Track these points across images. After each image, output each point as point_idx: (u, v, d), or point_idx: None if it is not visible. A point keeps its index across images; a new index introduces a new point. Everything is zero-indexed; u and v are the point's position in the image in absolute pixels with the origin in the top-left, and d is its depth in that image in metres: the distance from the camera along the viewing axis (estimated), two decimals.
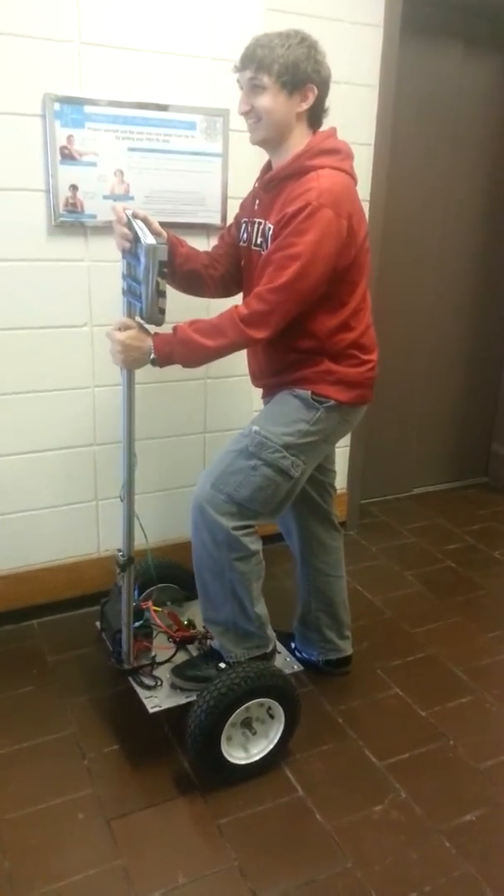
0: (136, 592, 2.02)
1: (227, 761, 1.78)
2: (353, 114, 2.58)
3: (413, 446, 3.46)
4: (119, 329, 1.69)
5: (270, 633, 1.93)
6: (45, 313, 2.19)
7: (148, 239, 1.57)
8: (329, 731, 2.01)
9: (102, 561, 2.49)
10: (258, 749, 1.84)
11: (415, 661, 2.32)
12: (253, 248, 1.83)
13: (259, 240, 1.79)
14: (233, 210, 2.30)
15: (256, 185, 1.87)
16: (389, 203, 2.81)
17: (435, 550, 3.03)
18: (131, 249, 1.65)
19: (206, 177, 2.27)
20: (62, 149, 2.05)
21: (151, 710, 1.81)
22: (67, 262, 2.17)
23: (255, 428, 1.79)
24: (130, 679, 1.90)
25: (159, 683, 1.89)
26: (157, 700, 1.84)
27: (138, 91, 2.12)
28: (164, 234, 1.79)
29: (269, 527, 2.90)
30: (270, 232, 1.72)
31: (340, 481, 3.04)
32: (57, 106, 2.01)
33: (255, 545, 1.82)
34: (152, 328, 1.69)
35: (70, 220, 2.12)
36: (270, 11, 2.29)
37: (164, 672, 1.93)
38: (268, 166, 1.82)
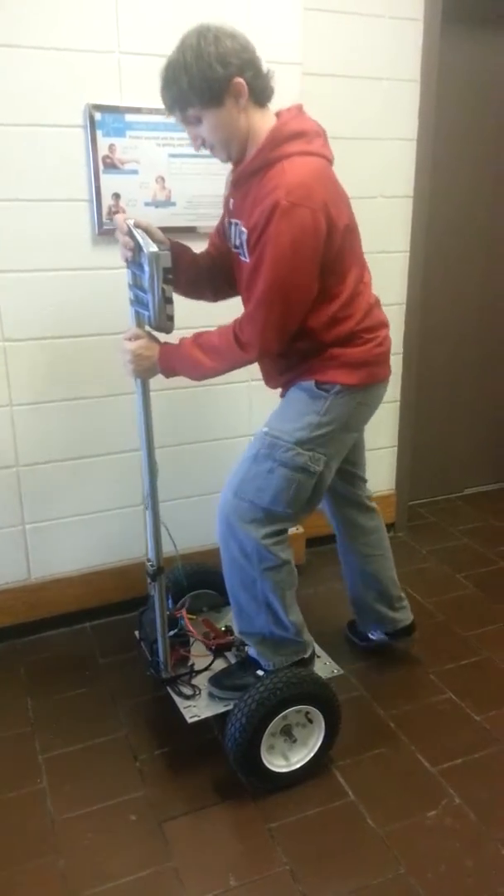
0: (169, 601, 2.01)
1: (268, 769, 1.76)
2: (396, 110, 2.55)
3: (463, 445, 3.39)
4: (129, 339, 1.70)
5: (307, 638, 1.90)
6: (91, 321, 2.23)
7: (150, 247, 1.57)
8: (381, 736, 1.98)
9: None
10: (299, 757, 1.81)
11: (468, 665, 2.27)
12: (234, 250, 1.74)
13: (237, 242, 1.70)
14: None
15: (228, 184, 1.74)
16: (434, 197, 2.77)
17: (487, 552, 2.96)
18: (135, 259, 1.64)
19: None
20: (104, 158, 2.08)
21: (190, 720, 1.81)
22: (111, 271, 2.20)
23: (265, 429, 1.74)
24: (168, 689, 1.90)
25: (197, 692, 1.89)
26: (196, 710, 1.84)
27: None
28: (167, 241, 1.75)
29: (316, 529, 2.90)
30: (244, 237, 1.61)
31: (388, 482, 3.02)
32: (99, 116, 2.04)
33: (285, 554, 1.79)
34: (163, 337, 1.70)
35: (113, 228, 2.14)
36: (309, 11, 2.28)
37: (202, 680, 1.92)
38: (237, 161, 1.69)
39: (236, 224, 1.68)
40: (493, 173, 3.01)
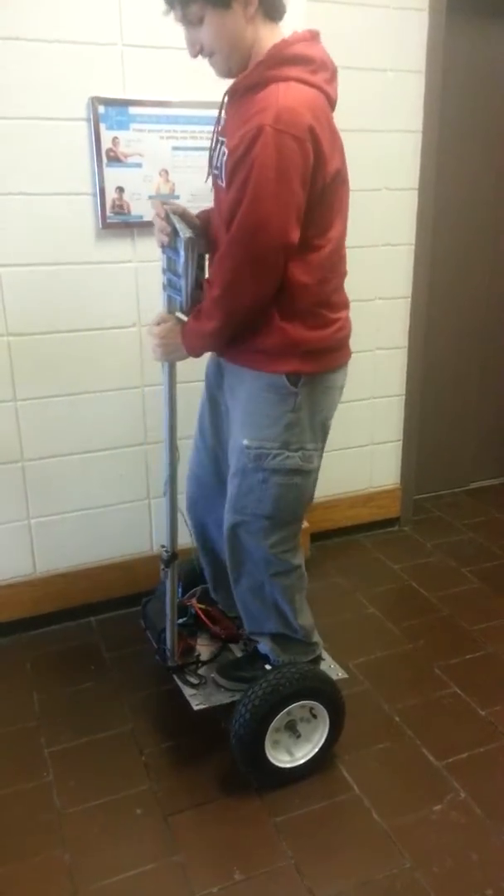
0: (180, 590, 2.01)
1: (271, 764, 1.76)
2: (401, 101, 2.53)
3: (469, 439, 3.38)
4: (156, 324, 1.66)
5: (317, 639, 1.90)
6: (95, 315, 2.22)
7: (186, 233, 1.55)
8: (385, 730, 1.98)
9: (156, 559, 2.50)
10: (303, 752, 1.81)
11: (473, 660, 2.27)
12: (214, 171, 1.61)
13: (218, 161, 1.57)
14: None
15: (224, 98, 1.58)
16: (439, 190, 2.75)
17: (493, 546, 2.96)
18: (171, 244, 1.62)
19: None
20: (108, 151, 2.07)
21: (196, 708, 1.81)
22: (115, 264, 2.19)
23: (245, 442, 1.64)
24: (175, 677, 1.91)
25: (204, 682, 1.89)
26: (201, 698, 1.84)
27: (181, 90, 2.12)
28: (199, 223, 1.69)
29: (321, 524, 2.89)
30: (225, 158, 1.48)
31: (393, 477, 3.01)
32: (102, 109, 2.03)
33: (296, 559, 1.77)
34: None
35: (117, 221, 2.14)
36: (313, 1, 2.27)
37: (208, 671, 1.92)
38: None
39: (222, 143, 1.55)
40: (499, 165, 2.99)
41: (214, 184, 1.63)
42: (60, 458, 2.31)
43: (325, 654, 1.98)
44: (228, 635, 2.02)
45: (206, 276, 1.58)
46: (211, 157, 1.64)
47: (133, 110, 2.07)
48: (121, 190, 2.12)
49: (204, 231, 1.70)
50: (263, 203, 1.38)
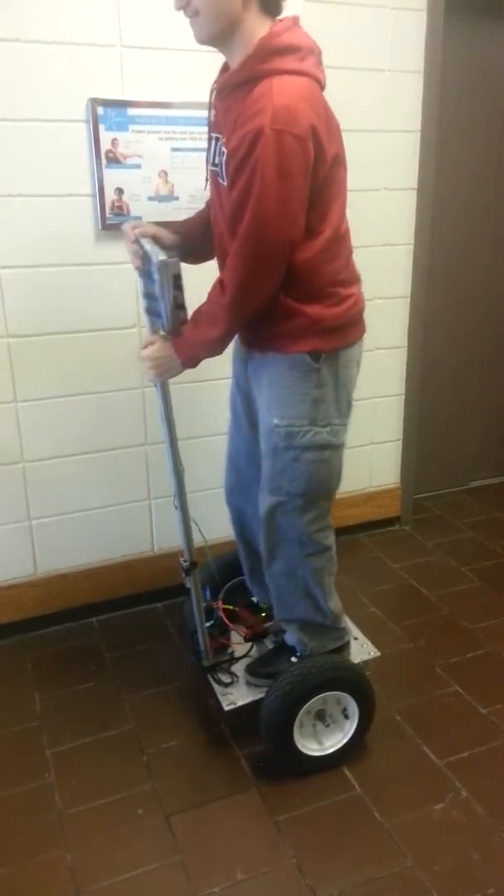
0: (207, 592, 2.05)
1: (300, 752, 1.79)
2: (399, 101, 2.53)
3: (469, 438, 3.39)
4: (144, 348, 1.67)
5: (345, 625, 1.92)
6: (95, 316, 2.22)
7: (159, 255, 1.54)
8: (387, 729, 1.98)
9: (157, 559, 2.52)
10: (332, 742, 1.84)
11: (474, 658, 2.27)
12: (212, 167, 1.63)
13: (217, 159, 1.58)
14: None
15: (211, 94, 1.60)
16: (438, 190, 2.75)
17: (493, 545, 2.96)
18: (144, 268, 1.63)
19: None
20: (107, 152, 2.08)
21: (227, 708, 1.84)
22: (115, 266, 2.20)
23: (274, 421, 1.69)
24: (209, 676, 1.94)
25: (236, 680, 1.92)
26: (233, 697, 1.87)
27: (180, 91, 2.13)
28: (176, 239, 1.72)
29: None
30: (225, 157, 1.51)
31: (393, 476, 3.01)
32: (101, 110, 2.04)
33: (328, 540, 1.80)
34: None
35: (117, 222, 2.15)
36: (311, 2, 2.27)
37: (242, 668, 1.97)
38: (225, 68, 1.59)
39: (217, 139, 1.57)
40: (498, 165, 2.99)
41: (214, 181, 1.64)
42: (61, 458, 2.32)
43: (357, 633, 2.00)
44: (255, 633, 2.04)
45: (184, 295, 1.57)
46: (210, 154, 1.65)
47: (132, 111, 2.08)
48: (120, 191, 2.12)
49: (187, 241, 1.73)
50: (267, 203, 1.41)
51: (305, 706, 1.75)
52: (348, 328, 1.68)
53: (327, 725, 1.84)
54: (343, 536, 2.93)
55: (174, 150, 2.15)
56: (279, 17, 1.50)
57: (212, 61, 2.14)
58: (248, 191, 1.42)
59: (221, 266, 1.67)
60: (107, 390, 2.31)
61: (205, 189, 1.75)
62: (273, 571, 1.84)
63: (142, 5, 2.03)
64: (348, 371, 1.71)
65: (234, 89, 1.49)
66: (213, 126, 1.61)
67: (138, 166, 2.13)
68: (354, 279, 1.69)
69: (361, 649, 2.00)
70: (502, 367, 3.36)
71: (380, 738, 1.94)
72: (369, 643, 2.02)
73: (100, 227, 2.14)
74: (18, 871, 1.60)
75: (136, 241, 1.63)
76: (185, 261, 1.63)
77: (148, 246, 1.60)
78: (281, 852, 1.63)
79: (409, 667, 2.23)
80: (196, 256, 1.79)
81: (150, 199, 2.16)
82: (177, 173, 2.18)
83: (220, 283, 1.56)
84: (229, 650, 1.99)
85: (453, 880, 1.56)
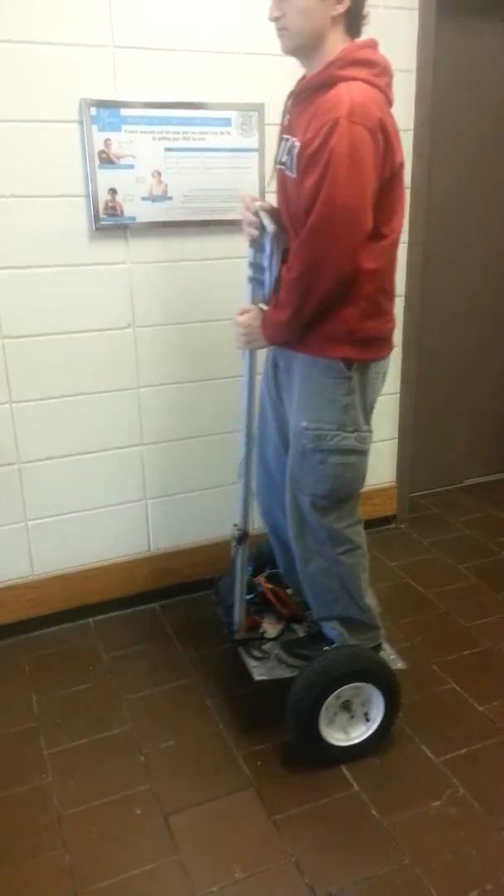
0: (250, 568, 2.09)
1: (325, 741, 1.81)
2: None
3: (464, 436, 3.39)
4: (240, 314, 1.75)
5: (380, 624, 1.95)
6: (89, 317, 2.22)
7: (272, 227, 1.65)
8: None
9: (153, 559, 2.52)
10: (358, 732, 1.86)
11: (471, 656, 2.28)
12: (278, 166, 1.72)
13: (284, 157, 1.67)
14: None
15: (288, 100, 1.72)
16: (432, 188, 2.76)
17: (489, 542, 2.96)
18: (258, 238, 1.72)
19: (243, 173, 2.26)
20: (100, 153, 2.08)
21: (257, 679, 1.89)
22: (109, 266, 2.20)
23: (303, 424, 1.74)
24: (240, 649, 1.98)
25: (266, 657, 1.96)
26: (263, 670, 1.91)
27: (173, 91, 2.13)
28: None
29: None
30: (296, 151, 1.59)
31: (389, 474, 3.01)
32: (94, 111, 2.04)
33: (359, 537, 1.84)
34: None
35: (110, 223, 2.14)
36: None
37: (272, 648, 1.99)
38: (302, 78, 1.70)
39: (287, 140, 1.67)
40: (490, 161, 3.00)
41: (281, 177, 1.71)
42: (57, 459, 2.31)
43: (385, 645, 2.01)
44: (292, 615, 2.07)
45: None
46: (278, 154, 1.73)
47: (125, 112, 2.07)
48: (113, 191, 2.12)
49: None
50: (340, 189, 1.49)
51: (332, 695, 1.77)
52: (382, 343, 1.74)
53: (352, 717, 1.86)
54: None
55: (168, 150, 2.15)
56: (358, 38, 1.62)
57: (204, 61, 2.15)
58: (322, 177, 1.50)
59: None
60: (102, 391, 2.31)
61: (267, 186, 1.88)
62: (309, 571, 1.87)
63: (134, 5, 2.03)
64: (377, 381, 1.77)
65: (312, 93, 1.59)
66: (285, 129, 1.71)
67: (132, 167, 2.12)
68: (394, 294, 1.75)
69: (391, 660, 1.98)
70: (497, 365, 3.37)
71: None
72: (396, 654, 2.02)
73: (93, 227, 2.14)
74: (17, 871, 1.60)
75: (256, 213, 1.70)
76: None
77: (265, 218, 1.68)
78: (279, 851, 1.64)
79: (407, 664, 2.22)
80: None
81: (143, 199, 2.16)
82: (171, 173, 2.17)
83: (288, 268, 1.63)
84: (261, 629, 2.03)
85: (451, 877, 1.57)
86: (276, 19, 1.59)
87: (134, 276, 2.24)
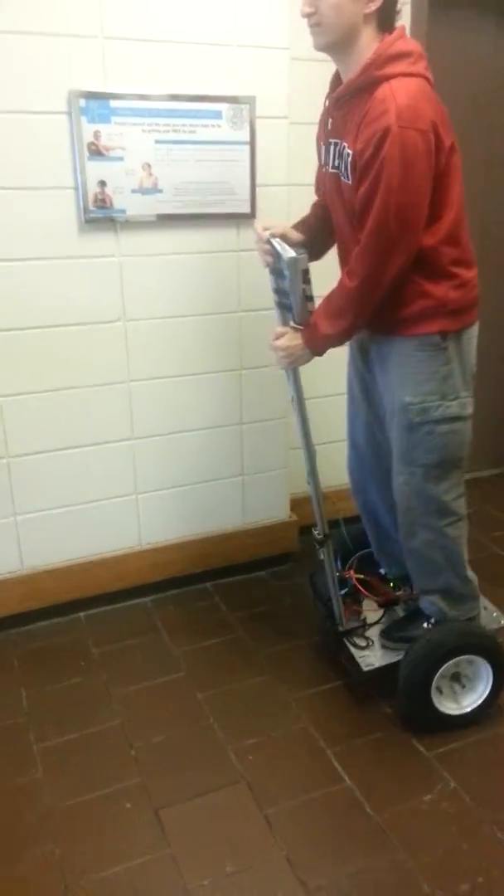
0: (339, 563, 2.15)
1: (439, 711, 1.88)
2: None
3: None
4: (276, 338, 1.82)
5: (479, 594, 2.01)
6: (79, 310, 2.21)
7: (288, 253, 1.70)
8: (376, 721, 1.98)
9: (144, 554, 2.51)
10: (469, 701, 1.92)
11: None
12: (331, 170, 1.76)
13: (336, 161, 1.72)
14: (261, 199, 2.29)
15: (326, 102, 1.76)
16: None
17: (483, 538, 2.96)
18: (275, 265, 1.79)
19: (234, 166, 2.25)
20: (89, 145, 2.06)
21: (365, 669, 1.94)
22: (98, 259, 2.18)
23: (407, 399, 1.78)
24: (345, 640, 2.03)
25: (371, 644, 2.01)
26: (370, 659, 1.96)
27: (163, 83, 2.12)
28: (302, 237, 1.88)
29: (310, 517, 2.88)
30: (350, 157, 1.64)
31: None
32: (83, 102, 2.02)
33: (463, 510, 1.91)
34: None
35: (100, 215, 2.13)
36: None
37: (374, 633, 2.06)
38: (336, 80, 1.73)
39: (335, 143, 1.71)
40: (484, 157, 3.00)
41: (335, 182, 1.75)
42: (46, 454, 2.30)
43: (485, 602, 2.08)
44: (387, 600, 2.12)
45: (312, 288, 1.74)
46: (326, 158, 1.78)
47: (114, 103, 2.06)
48: (103, 184, 2.11)
49: (310, 239, 1.89)
50: (395, 195, 1.55)
51: (442, 668, 1.83)
52: (470, 310, 1.81)
53: (463, 686, 1.91)
54: (334, 529, 2.93)
55: (158, 142, 2.14)
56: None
57: (195, 53, 2.14)
58: (377, 184, 1.56)
59: (343, 261, 1.82)
60: (92, 384, 2.29)
61: (315, 194, 1.98)
62: (414, 545, 1.91)
63: None
64: (471, 346, 1.84)
65: (354, 95, 1.63)
66: (331, 133, 1.74)
67: (121, 159, 2.11)
68: (474, 261, 1.81)
69: (492, 618, 2.06)
70: (495, 360, 3.36)
71: (369, 731, 1.94)
72: (498, 611, 2.09)
73: (82, 219, 2.12)
74: (7, 866, 1.59)
75: (268, 242, 1.77)
76: (309, 257, 1.77)
77: (278, 245, 1.74)
78: (271, 845, 1.63)
79: None
80: (314, 253, 1.87)
81: (133, 191, 2.15)
82: (161, 166, 2.16)
83: (348, 275, 1.68)
84: (361, 617, 2.09)
85: (443, 870, 1.56)
86: (308, 15, 1.61)
87: (124, 269, 2.22)
